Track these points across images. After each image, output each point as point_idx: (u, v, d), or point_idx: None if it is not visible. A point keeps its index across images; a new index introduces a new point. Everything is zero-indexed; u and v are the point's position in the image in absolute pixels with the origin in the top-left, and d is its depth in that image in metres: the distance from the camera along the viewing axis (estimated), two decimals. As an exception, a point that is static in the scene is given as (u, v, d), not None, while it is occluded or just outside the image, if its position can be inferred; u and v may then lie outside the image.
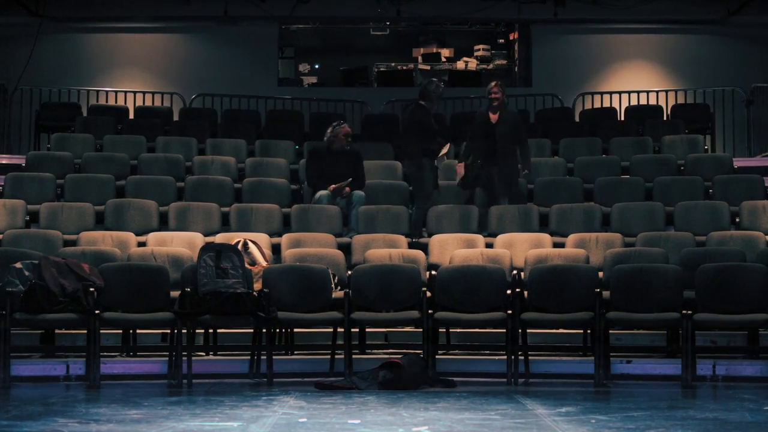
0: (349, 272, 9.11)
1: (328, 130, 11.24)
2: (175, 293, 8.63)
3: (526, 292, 8.87)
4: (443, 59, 18.16)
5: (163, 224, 10.62)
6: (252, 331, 8.68)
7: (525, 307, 8.74)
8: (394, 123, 14.24)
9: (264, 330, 8.50)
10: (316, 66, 19.05)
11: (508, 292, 8.71)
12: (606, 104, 15.55)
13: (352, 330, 8.77)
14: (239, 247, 9.12)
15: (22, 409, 6.80)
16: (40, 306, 8.34)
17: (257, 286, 8.70)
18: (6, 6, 15.51)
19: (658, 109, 14.96)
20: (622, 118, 14.70)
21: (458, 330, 9.47)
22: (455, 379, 8.29)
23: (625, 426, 5.97)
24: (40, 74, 15.49)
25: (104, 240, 9.86)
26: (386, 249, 9.78)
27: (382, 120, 14.65)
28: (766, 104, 14.90)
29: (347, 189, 10.82)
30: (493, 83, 11.19)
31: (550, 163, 12.32)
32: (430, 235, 10.38)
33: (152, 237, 10.02)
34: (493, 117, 11.02)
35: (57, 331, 9.16)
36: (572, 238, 10.07)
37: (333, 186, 10.80)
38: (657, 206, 10.78)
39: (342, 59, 18.38)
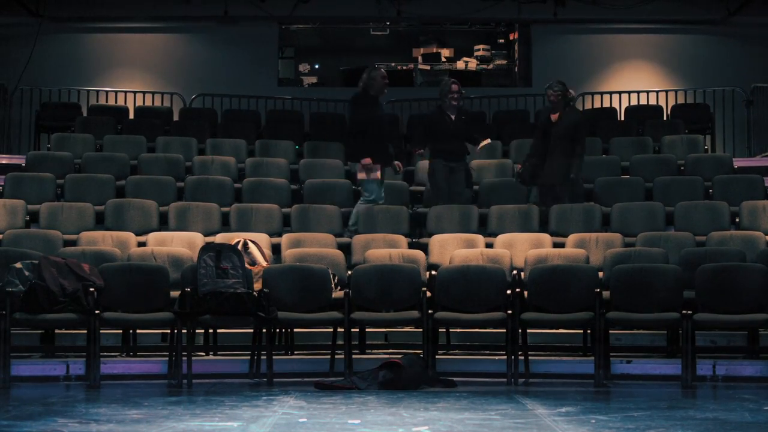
0: (349, 272, 9.11)
1: (363, 76, 10.91)
2: (175, 293, 8.63)
3: (526, 292, 8.87)
4: (443, 59, 18.15)
5: (163, 224, 10.61)
6: (252, 331, 8.68)
7: (525, 307, 8.74)
8: (395, 123, 14.24)
9: (264, 330, 8.50)
10: (316, 66, 19.04)
11: (508, 292, 8.71)
12: (606, 104, 15.55)
13: (352, 330, 8.78)
14: (239, 247, 9.12)
15: (22, 409, 6.80)
16: (40, 306, 8.34)
17: (257, 286, 8.70)
18: (6, 6, 15.52)
19: (658, 109, 14.96)
20: (622, 118, 14.70)
21: (458, 330, 9.47)
22: (455, 379, 8.29)
23: (625, 426, 5.97)
24: (40, 74, 15.49)
25: (104, 240, 9.86)
26: (386, 249, 9.78)
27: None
28: (766, 104, 14.89)
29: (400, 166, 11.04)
30: (554, 84, 11.00)
31: (550, 163, 12.30)
32: (430, 235, 10.38)
33: (152, 237, 10.02)
34: (554, 116, 10.99)
35: (57, 331, 9.16)
36: (572, 238, 10.07)
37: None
38: (657, 206, 10.77)
39: (342, 59, 18.38)
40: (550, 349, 9.35)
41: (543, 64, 16.48)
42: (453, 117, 11.12)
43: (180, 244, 9.82)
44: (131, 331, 9.20)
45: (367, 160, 10.67)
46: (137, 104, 15.39)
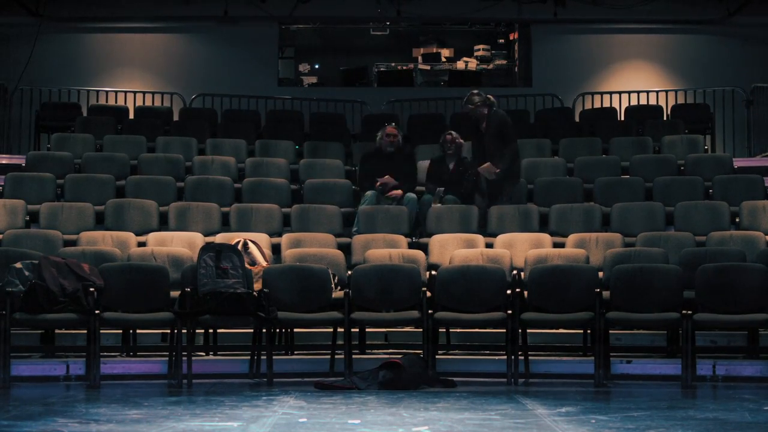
0: (349, 272, 9.11)
1: (378, 134, 11.42)
2: (175, 293, 8.63)
3: (526, 292, 8.87)
4: (443, 59, 18.16)
5: (163, 224, 10.62)
6: (252, 331, 8.68)
7: (525, 307, 8.74)
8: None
9: (264, 330, 8.50)
10: (316, 66, 19.04)
11: (508, 292, 8.71)
12: (606, 104, 15.55)
13: (352, 330, 8.78)
14: (239, 247, 9.12)
15: (22, 409, 6.80)
16: (40, 306, 8.34)
17: (257, 286, 8.71)
18: (6, 6, 15.53)
19: (658, 109, 14.95)
20: (622, 118, 14.69)
21: (458, 330, 9.47)
22: (455, 379, 8.29)
23: (625, 426, 5.97)
24: (40, 74, 15.50)
25: (104, 240, 9.86)
26: (386, 249, 9.78)
27: (382, 120, 14.63)
28: (766, 104, 14.89)
29: (398, 192, 10.91)
30: (472, 97, 11.00)
31: (550, 163, 12.31)
32: (430, 235, 10.38)
33: (152, 237, 10.02)
34: (483, 125, 10.99)
35: (57, 331, 9.16)
36: (572, 238, 10.07)
37: (380, 180, 10.90)
38: (657, 206, 10.77)
39: (342, 59, 18.39)
40: (550, 349, 9.35)
41: (543, 64, 16.49)
42: (451, 166, 11.12)
43: (180, 244, 9.83)
44: (131, 331, 9.20)
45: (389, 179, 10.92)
46: (137, 104, 15.39)
